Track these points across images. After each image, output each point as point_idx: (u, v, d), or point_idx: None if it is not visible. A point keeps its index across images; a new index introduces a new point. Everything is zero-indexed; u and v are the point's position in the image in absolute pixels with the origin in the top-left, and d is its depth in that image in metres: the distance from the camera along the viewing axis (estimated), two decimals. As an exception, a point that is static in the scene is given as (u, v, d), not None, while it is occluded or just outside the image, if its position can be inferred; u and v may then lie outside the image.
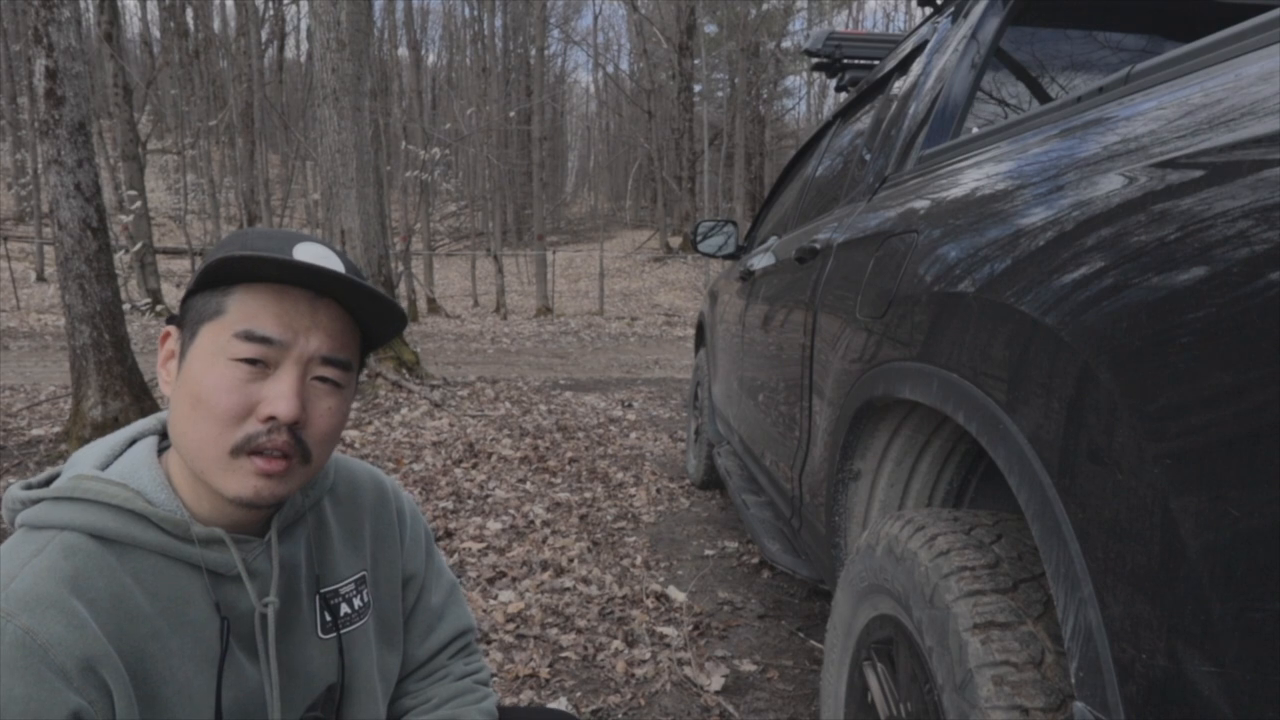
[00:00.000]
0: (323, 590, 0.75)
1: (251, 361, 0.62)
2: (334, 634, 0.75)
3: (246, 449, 0.62)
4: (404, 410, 4.94)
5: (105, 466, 0.67)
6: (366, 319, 0.70)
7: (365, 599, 0.79)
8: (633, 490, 3.42)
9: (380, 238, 6.06)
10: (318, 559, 0.76)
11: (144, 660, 0.60)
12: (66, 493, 0.63)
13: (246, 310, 0.63)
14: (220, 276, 0.63)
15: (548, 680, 1.83)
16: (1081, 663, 0.58)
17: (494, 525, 2.88)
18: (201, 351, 0.63)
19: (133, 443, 0.71)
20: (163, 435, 0.72)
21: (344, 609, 0.77)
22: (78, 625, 0.56)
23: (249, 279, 0.63)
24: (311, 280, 0.63)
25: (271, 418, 0.62)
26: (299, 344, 0.64)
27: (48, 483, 0.66)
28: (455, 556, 2.58)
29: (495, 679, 1.83)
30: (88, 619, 0.57)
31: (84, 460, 0.67)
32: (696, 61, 23.08)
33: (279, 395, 0.62)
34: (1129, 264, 0.57)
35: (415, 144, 16.38)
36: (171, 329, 0.67)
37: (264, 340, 0.62)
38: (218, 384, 0.61)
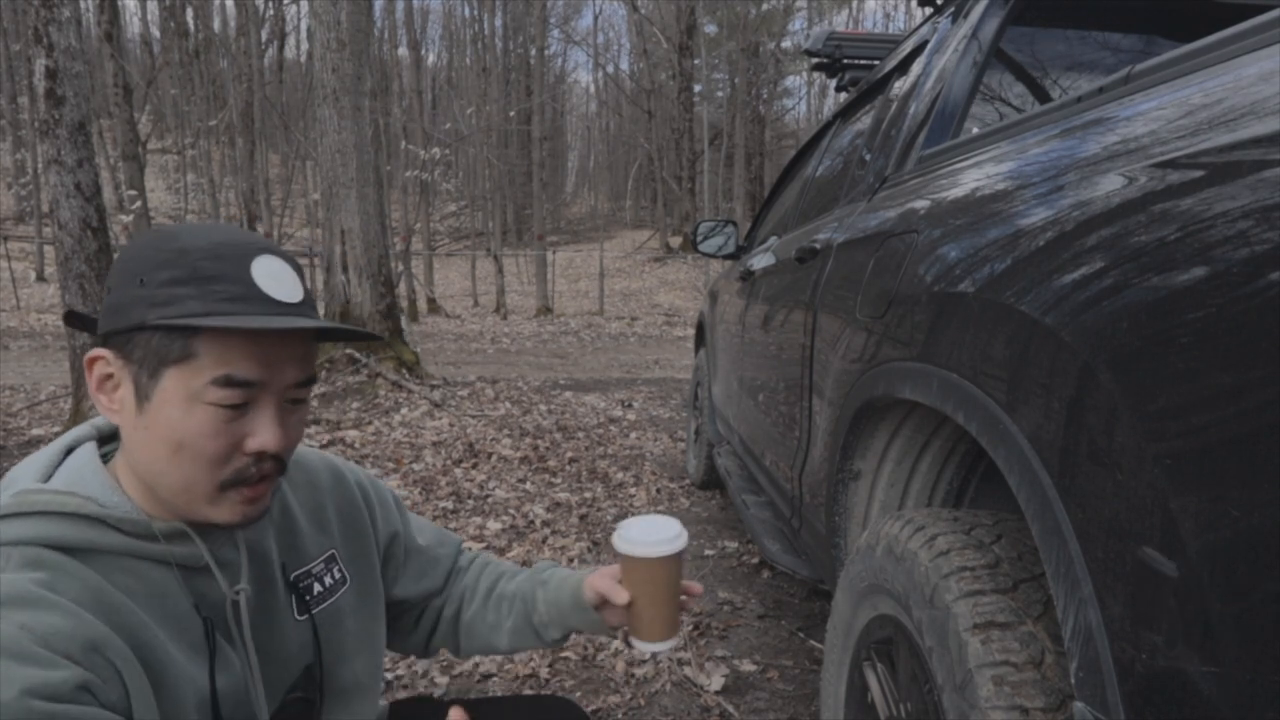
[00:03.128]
0: (295, 573, 0.76)
1: (235, 406, 0.61)
2: (308, 615, 0.76)
3: (235, 482, 0.63)
4: (404, 410, 4.94)
5: (46, 479, 0.64)
6: (330, 336, 0.69)
7: (337, 575, 0.81)
8: (633, 490, 3.42)
9: (380, 238, 6.06)
10: (286, 543, 0.77)
11: (142, 647, 0.59)
12: (13, 509, 0.60)
13: (221, 355, 0.60)
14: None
15: (548, 680, 1.83)
16: (1081, 663, 0.58)
17: (494, 525, 2.88)
18: (173, 396, 0.60)
19: (69, 451, 0.68)
20: (101, 441, 0.70)
21: (316, 587, 0.78)
22: (72, 614, 0.55)
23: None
24: (295, 334, 0.63)
25: (261, 452, 0.63)
26: (275, 379, 0.63)
27: None
28: (455, 556, 2.57)
29: (495, 679, 1.84)
30: (79, 609, 0.56)
31: (23, 476, 0.64)
32: (696, 61, 23.07)
33: (265, 429, 0.63)
34: (1129, 264, 0.57)
35: (415, 144, 16.38)
36: (105, 353, 0.63)
37: (245, 384, 0.61)
38: (201, 430, 0.61)
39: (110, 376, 0.63)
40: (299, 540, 0.78)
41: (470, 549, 1.02)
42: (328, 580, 0.79)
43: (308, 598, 0.77)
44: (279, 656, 0.73)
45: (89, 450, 0.67)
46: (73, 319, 0.70)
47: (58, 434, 3.97)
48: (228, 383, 0.60)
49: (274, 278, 0.64)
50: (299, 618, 0.75)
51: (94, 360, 0.63)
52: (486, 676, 1.85)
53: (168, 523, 0.64)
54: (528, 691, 1.78)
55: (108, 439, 0.71)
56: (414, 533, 0.94)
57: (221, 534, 0.69)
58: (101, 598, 0.59)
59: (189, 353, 0.60)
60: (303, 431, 0.69)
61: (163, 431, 0.61)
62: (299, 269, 0.68)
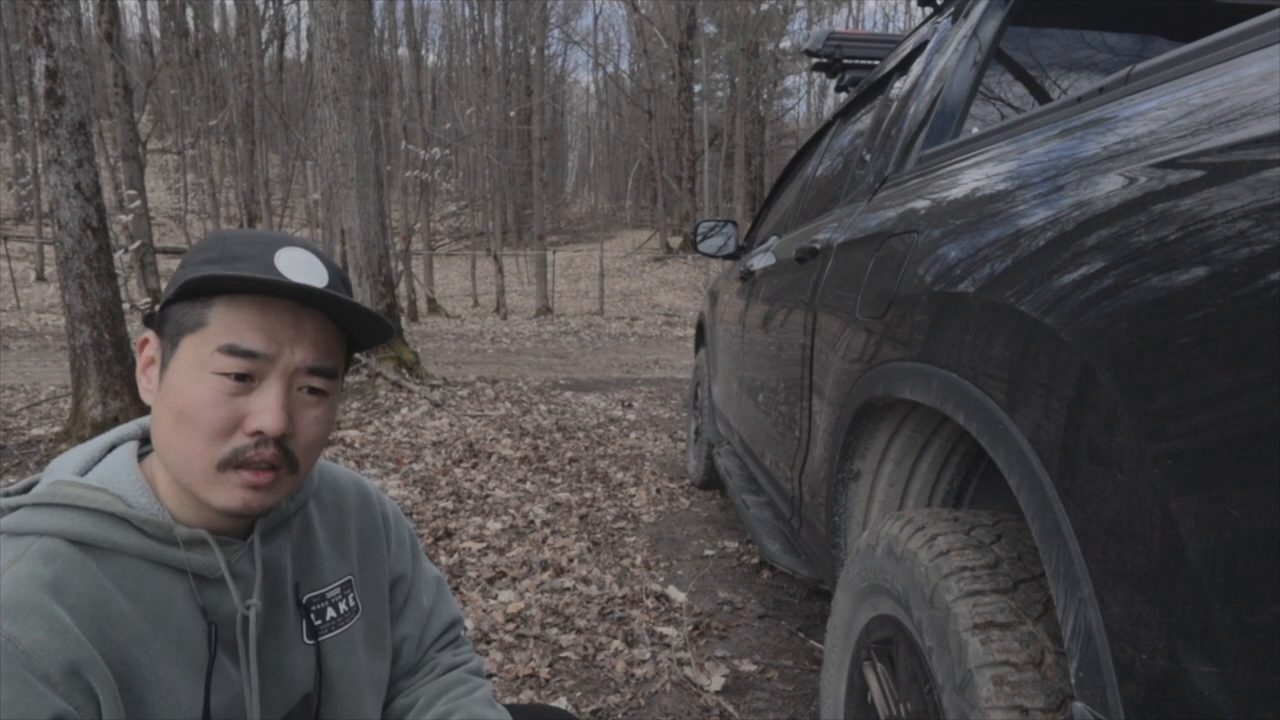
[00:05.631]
0: (308, 595, 0.75)
1: (238, 376, 0.61)
2: (315, 640, 0.74)
3: (234, 463, 0.62)
4: (404, 410, 4.94)
5: (84, 472, 0.66)
6: (352, 327, 0.69)
7: (351, 603, 0.79)
8: (633, 490, 3.42)
9: (380, 238, 6.06)
10: (303, 563, 0.76)
11: (128, 664, 0.59)
12: (45, 499, 0.62)
13: (229, 323, 0.61)
14: (201, 288, 0.62)
15: (548, 680, 1.83)
16: (1081, 663, 0.58)
17: (494, 525, 2.88)
18: (184, 364, 0.62)
19: (112, 448, 0.70)
20: (143, 440, 0.72)
21: (329, 613, 0.76)
22: (60, 630, 0.55)
23: (231, 290, 0.62)
24: (295, 292, 0.62)
25: (259, 432, 0.62)
26: (284, 356, 0.63)
27: (27, 490, 0.65)
28: (455, 556, 2.58)
29: (495, 679, 1.83)
30: (70, 624, 0.56)
31: (63, 467, 0.66)
32: (696, 61, 23.07)
33: (265, 409, 0.62)
34: (1129, 264, 0.57)
35: (415, 144, 16.37)
36: (150, 335, 0.66)
37: (248, 354, 0.61)
38: (203, 399, 0.61)
39: (152, 360, 0.66)
40: (317, 561, 0.77)
41: (467, 636, 0.93)
42: (341, 607, 0.77)
43: (318, 622, 0.75)
44: (282, 678, 0.71)
45: (128, 449, 0.68)
46: (151, 320, 0.70)
47: (57, 434, 3.97)
48: (232, 351, 0.61)
49: (296, 263, 0.64)
50: (307, 641, 0.74)
51: (142, 344, 0.67)
52: (486, 677, 1.85)
53: (190, 530, 0.64)
54: (527, 693, 1.78)
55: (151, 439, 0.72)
56: (421, 588, 0.90)
57: (239, 546, 0.68)
58: (102, 607, 0.59)
59: (201, 321, 0.62)
60: (322, 432, 0.67)
61: (171, 400, 0.62)
62: (333, 266, 0.68)
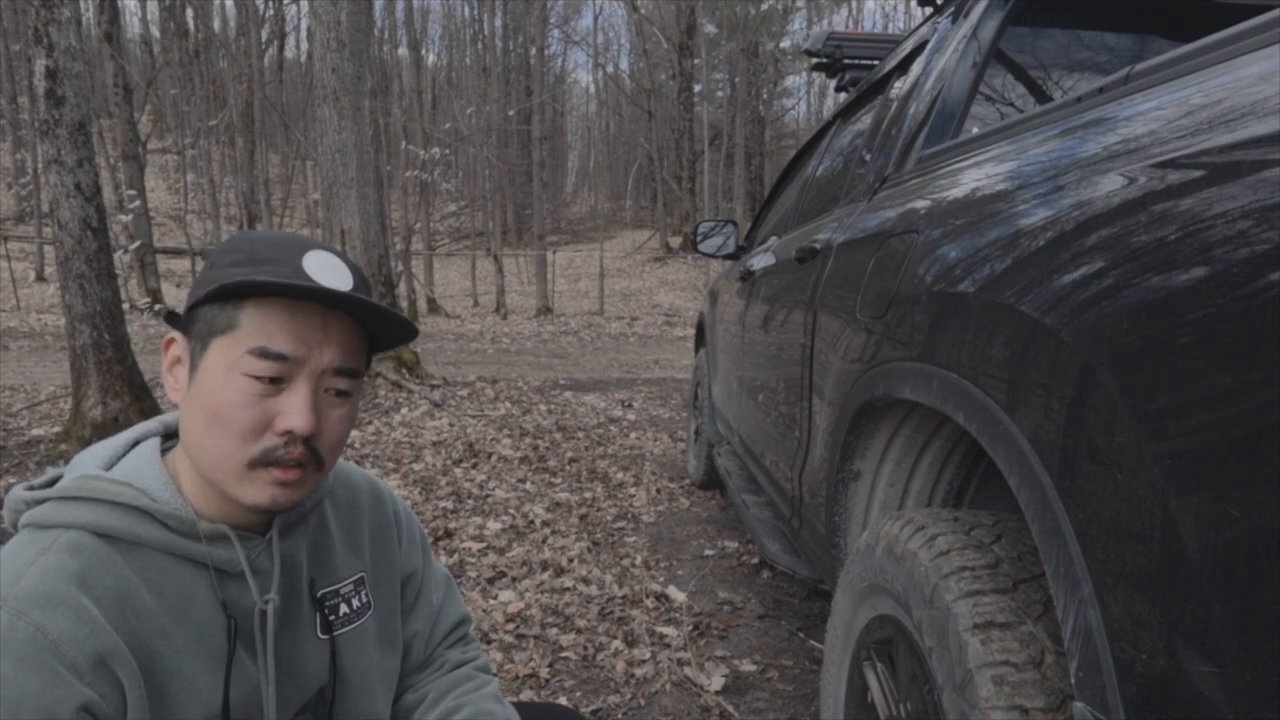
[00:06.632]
0: (322, 591, 0.76)
1: (270, 380, 0.63)
2: (329, 635, 0.76)
3: (264, 461, 0.63)
4: (404, 410, 4.94)
5: (109, 468, 0.67)
6: (375, 329, 0.70)
7: (364, 599, 0.80)
8: (633, 490, 3.42)
9: (380, 238, 6.06)
10: (318, 559, 0.77)
11: (152, 656, 0.61)
12: (72, 492, 0.63)
13: (259, 326, 0.62)
14: (235, 291, 0.63)
15: (548, 680, 1.83)
16: (1081, 663, 0.58)
17: (494, 525, 2.88)
18: (214, 365, 0.63)
19: (135, 444, 0.71)
20: (165, 436, 0.73)
21: (343, 608, 0.77)
22: (87, 621, 0.56)
23: (261, 292, 0.63)
24: (327, 296, 0.64)
25: (288, 432, 0.63)
26: (312, 358, 0.64)
27: (50, 484, 0.67)
28: (455, 556, 2.58)
29: (495, 679, 1.83)
30: (96, 615, 0.57)
31: (88, 461, 0.68)
32: (696, 61, 23.08)
33: (295, 410, 0.63)
34: (1129, 264, 0.57)
35: (415, 144, 16.37)
36: (176, 336, 0.67)
37: (279, 357, 0.63)
38: (234, 400, 0.62)
39: (179, 359, 0.67)
40: (331, 558, 0.78)
41: (474, 635, 0.96)
42: (355, 603, 0.79)
43: (332, 618, 0.76)
44: (296, 672, 0.73)
45: (151, 445, 0.70)
46: (172, 319, 0.71)
47: (57, 434, 3.97)
48: (263, 354, 0.62)
49: (323, 266, 0.66)
50: (321, 636, 0.75)
51: (168, 344, 0.68)
52: (486, 676, 1.85)
53: (212, 525, 0.66)
54: (527, 693, 1.78)
55: (173, 435, 0.74)
56: (431, 585, 0.91)
57: (258, 542, 0.69)
58: (127, 599, 0.60)
59: (232, 323, 0.63)
60: (345, 431, 0.69)
61: (202, 400, 0.63)
62: (355, 268, 0.70)
